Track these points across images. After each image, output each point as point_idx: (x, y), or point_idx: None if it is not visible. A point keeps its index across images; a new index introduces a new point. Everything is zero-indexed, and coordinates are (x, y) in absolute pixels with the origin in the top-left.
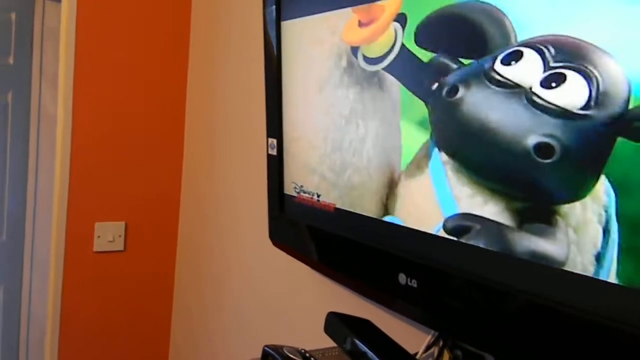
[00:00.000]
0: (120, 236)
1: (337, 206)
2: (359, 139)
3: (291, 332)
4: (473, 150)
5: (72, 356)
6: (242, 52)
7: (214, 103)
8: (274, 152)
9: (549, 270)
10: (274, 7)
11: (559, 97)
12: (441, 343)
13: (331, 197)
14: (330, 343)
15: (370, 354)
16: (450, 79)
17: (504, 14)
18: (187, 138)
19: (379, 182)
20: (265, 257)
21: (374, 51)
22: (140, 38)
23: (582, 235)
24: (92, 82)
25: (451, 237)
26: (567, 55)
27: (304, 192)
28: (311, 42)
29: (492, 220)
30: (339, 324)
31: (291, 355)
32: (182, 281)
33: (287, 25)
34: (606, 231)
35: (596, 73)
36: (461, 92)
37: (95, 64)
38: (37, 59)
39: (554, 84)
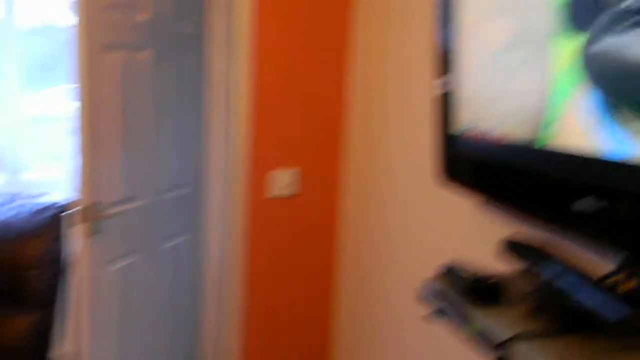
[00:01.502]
0: (292, 183)
1: (509, 139)
2: (527, 71)
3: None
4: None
5: (251, 290)
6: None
7: (380, 51)
8: (443, 90)
9: None
10: None
11: None
12: (627, 270)
13: (501, 131)
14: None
15: (553, 268)
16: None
17: None
18: (354, 85)
19: (548, 114)
20: (432, 192)
21: None
22: None
23: None
24: (267, 41)
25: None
26: None
27: (474, 128)
28: None
29: None
30: (519, 246)
31: (469, 271)
32: (351, 215)
33: None
34: None
35: None
36: None
37: (271, 23)
38: (217, 24)
39: None
